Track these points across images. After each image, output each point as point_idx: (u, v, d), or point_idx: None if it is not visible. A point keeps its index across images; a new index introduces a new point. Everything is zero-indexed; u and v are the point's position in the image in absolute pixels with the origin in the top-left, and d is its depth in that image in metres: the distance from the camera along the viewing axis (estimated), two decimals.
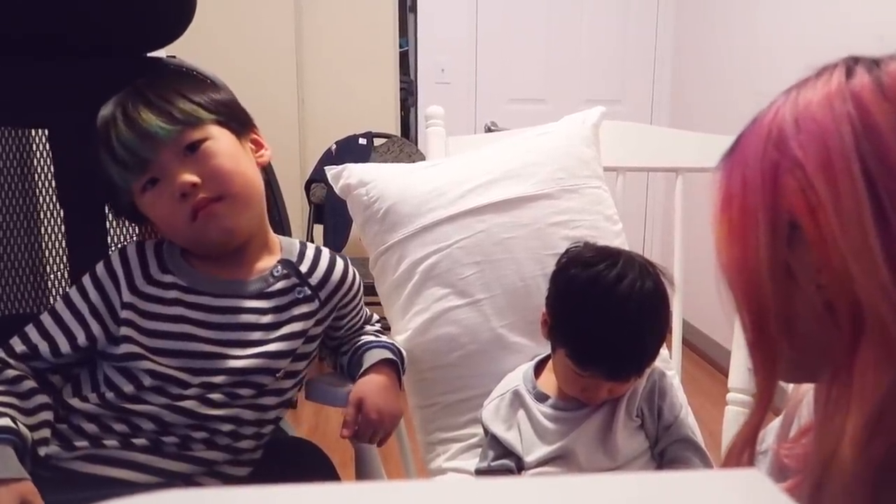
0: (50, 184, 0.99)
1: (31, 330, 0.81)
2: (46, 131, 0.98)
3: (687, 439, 0.89)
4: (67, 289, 0.96)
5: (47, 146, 0.98)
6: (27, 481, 0.69)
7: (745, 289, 0.56)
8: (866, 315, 0.48)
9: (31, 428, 0.75)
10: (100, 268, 0.84)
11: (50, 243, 0.99)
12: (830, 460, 0.49)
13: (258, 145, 0.90)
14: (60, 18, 0.95)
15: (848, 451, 0.47)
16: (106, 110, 0.82)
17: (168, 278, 0.84)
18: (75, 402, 0.80)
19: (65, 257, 1.00)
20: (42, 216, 0.99)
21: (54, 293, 1.00)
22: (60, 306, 0.83)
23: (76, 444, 0.78)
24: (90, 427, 0.79)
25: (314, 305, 0.89)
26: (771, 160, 0.53)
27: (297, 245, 0.93)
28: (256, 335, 0.84)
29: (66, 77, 0.98)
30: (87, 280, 0.84)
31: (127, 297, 0.82)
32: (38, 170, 0.98)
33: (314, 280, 0.90)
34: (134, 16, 0.99)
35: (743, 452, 0.59)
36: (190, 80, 0.86)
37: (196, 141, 0.80)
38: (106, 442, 0.78)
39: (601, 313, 0.82)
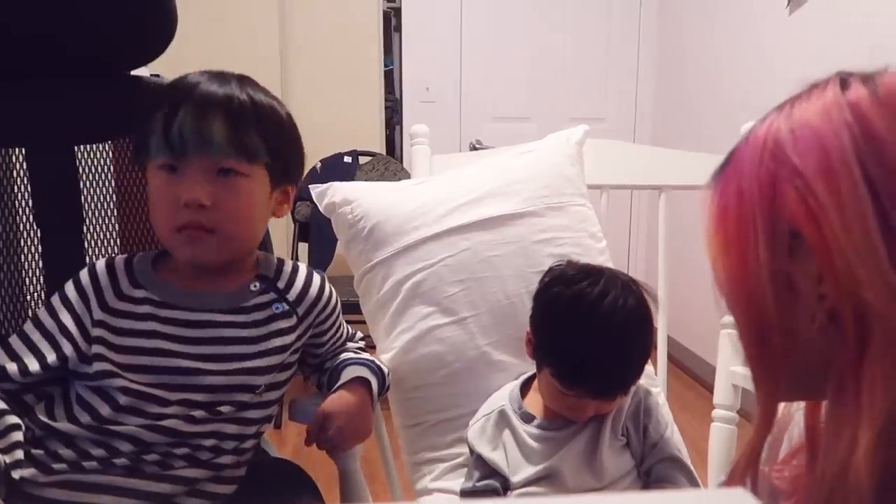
0: (27, 203, 0.98)
1: None
2: (23, 150, 0.97)
3: (673, 458, 0.89)
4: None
5: (22, 165, 0.97)
6: None
7: (745, 303, 0.55)
8: (873, 320, 0.47)
9: (3, 451, 0.73)
10: (69, 286, 0.83)
11: (28, 265, 0.98)
12: (842, 475, 0.48)
13: (285, 197, 0.89)
14: (40, 39, 0.95)
15: (862, 464, 0.47)
16: (196, 83, 0.80)
17: (140, 293, 0.82)
18: (56, 423, 0.78)
19: (39, 279, 0.98)
20: (21, 236, 0.97)
21: (30, 313, 0.98)
22: (30, 327, 0.81)
23: (54, 469, 0.76)
24: (67, 452, 0.76)
25: (292, 321, 0.88)
26: (768, 170, 0.53)
27: (275, 261, 0.92)
28: (234, 349, 0.83)
29: (45, 96, 0.97)
30: (55, 300, 0.82)
31: (98, 314, 0.80)
32: (17, 189, 0.97)
33: (291, 296, 0.89)
34: (115, 35, 0.99)
35: (746, 472, 0.58)
36: (274, 113, 0.83)
37: (232, 170, 0.79)
38: (85, 465, 0.76)
39: (585, 332, 0.82)
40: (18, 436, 0.76)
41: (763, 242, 0.53)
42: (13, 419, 0.76)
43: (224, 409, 0.82)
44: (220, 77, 0.82)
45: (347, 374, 0.91)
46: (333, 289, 0.95)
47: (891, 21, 1.76)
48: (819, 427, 0.60)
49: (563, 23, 3.39)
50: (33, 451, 0.76)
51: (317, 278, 0.93)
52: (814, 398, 0.60)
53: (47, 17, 0.93)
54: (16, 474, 0.73)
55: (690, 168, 1.26)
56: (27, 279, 0.97)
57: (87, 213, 1.00)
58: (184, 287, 0.84)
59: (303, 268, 0.92)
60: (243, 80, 0.83)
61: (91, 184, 1.00)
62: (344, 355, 0.97)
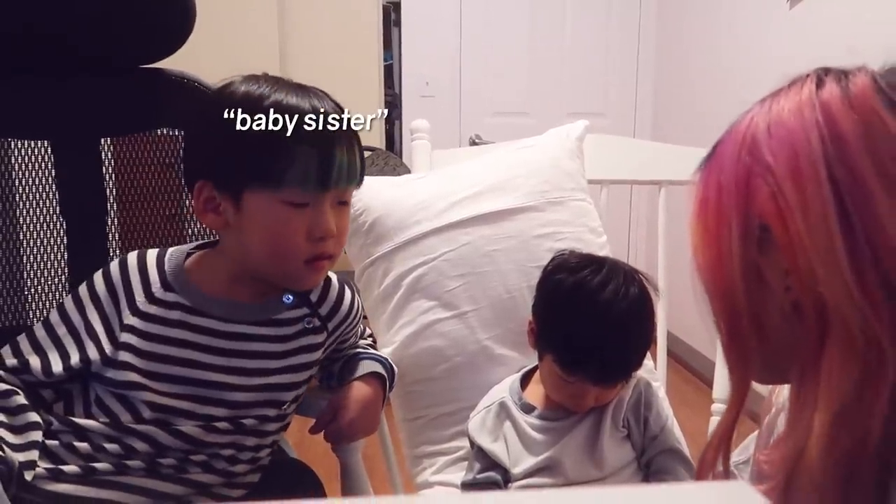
0: (29, 195, 0.98)
1: (22, 341, 0.78)
2: (46, 143, 0.97)
3: (673, 450, 0.89)
4: (58, 300, 0.95)
5: (34, 157, 0.97)
6: None
7: (719, 291, 0.58)
8: (831, 315, 0.50)
9: (19, 448, 0.71)
10: (98, 281, 0.80)
11: (28, 256, 0.98)
12: (799, 457, 0.50)
13: None
14: (61, 32, 0.96)
15: (815, 447, 0.49)
16: (314, 106, 0.76)
17: (171, 297, 0.79)
18: (74, 419, 0.77)
19: (42, 270, 0.98)
20: (21, 228, 0.98)
21: (33, 307, 0.98)
22: (56, 319, 0.78)
23: (67, 466, 0.74)
24: (82, 446, 0.75)
25: (322, 337, 0.86)
26: (744, 165, 0.55)
27: None
28: (262, 364, 0.81)
29: (68, 90, 0.99)
30: (84, 293, 0.79)
31: (128, 318, 0.78)
32: (17, 181, 0.97)
33: (324, 310, 0.86)
34: (134, 29, 1.00)
35: (718, 451, 0.60)
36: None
37: (346, 200, 0.80)
38: (98, 465, 0.75)
39: (587, 318, 0.83)
40: (37, 435, 0.74)
41: (737, 235, 0.55)
42: (33, 416, 0.74)
43: (247, 422, 0.80)
44: (316, 94, 0.79)
45: (363, 367, 0.91)
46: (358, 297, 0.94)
47: (893, 14, 1.76)
48: None
49: (562, 17, 3.38)
50: (48, 441, 0.75)
51: (348, 292, 0.90)
52: (782, 382, 0.63)
53: (69, 12, 0.94)
54: (28, 475, 0.72)
55: (690, 163, 1.25)
56: (26, 272, 0.98)
57: (113, 207, 1.02)
58: (216, 294, 0.81)
59: (334, 280, 0.90)
60: (320, 90, 0.81)
61: (116, 177, 1.02)
62: (354, 350, 0.97)
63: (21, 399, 0.74)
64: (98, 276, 0.80)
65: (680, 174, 1.27)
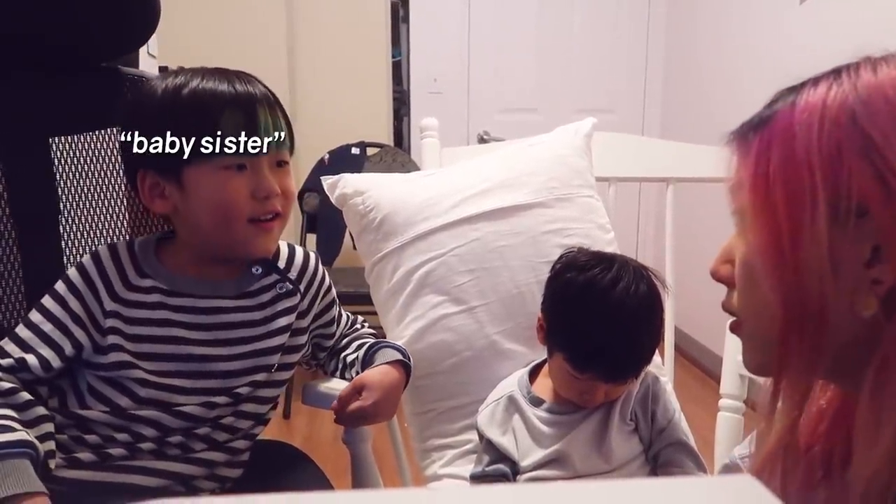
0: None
1: (7, 344, 0.78)
2: None
3: (680, 443, 0.90)
4: (12, 303, 0.94)
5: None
6: (45, 496, 0.67)
7: (791, 279, 0.52)
8: None
9: (37, 440, 0.73)
10: (74, 274, 0.82)
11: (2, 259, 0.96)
12: (881, 473, 0.46)
13: None
14: (13, 34, 0.94)
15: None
16: (239, 88, 0.81)
17: (147, 282, 0.83)
18: (81, 411, 0.79)
19: (14, 270, 0.96)
20: None
21: (7, 307, 0.96)
22: (38, 318, 0.80)
23: (83, 454, 0.78)
24: (91, 437, 0.78)
25: (296, 299, 0.90)
26: (832, 139, 0.49)
27: None
28: (244, 332, 0.85)
29: (16, 90, 0.97)
30: (62, 287, 0.81)
31: (109, 304, 0.80)
32: None
33: (293, 274, 0.92)
34: (92, 27, 0.98)
35: (775, 465, 0.56)
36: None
37: (285, 161, 0.85)
38: (111, 451, 0.78)
39: (598, 317, 0.84)
40: (50, 426, 0.76)
41: (823, 217, 0.49)
42: (42, 409, 0.76)
43: (242, 390, 0.84)
44: (235, 73, 0.83)
45: (387, 354, 0.94)
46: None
47: None
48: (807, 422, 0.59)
49: (571, 14, 3.38)
50: (57, 436, 0.78)
51: (312, 256, 0.96)
52: (845, 384, 0.57)
53: (23, 11, 0.92)
54: (52, 464, 0.74)
55: (698, 160, 1.27)
56: (2, 270, 0.96)
57: (66, 205, 1.00)
58: (188, 274, 0.85)
59: (296, 247, 0.95)
60: (247, 74, 0.85)
61: (67, 176, 1.00)
62: (369, 339, 0.99)
63: (26, 395, 0.75)
64: (73, 271, 0.83)
65: (687, 171, 1.29)
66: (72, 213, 1.00)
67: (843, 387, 0.58)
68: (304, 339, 0.93)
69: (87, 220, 1.02)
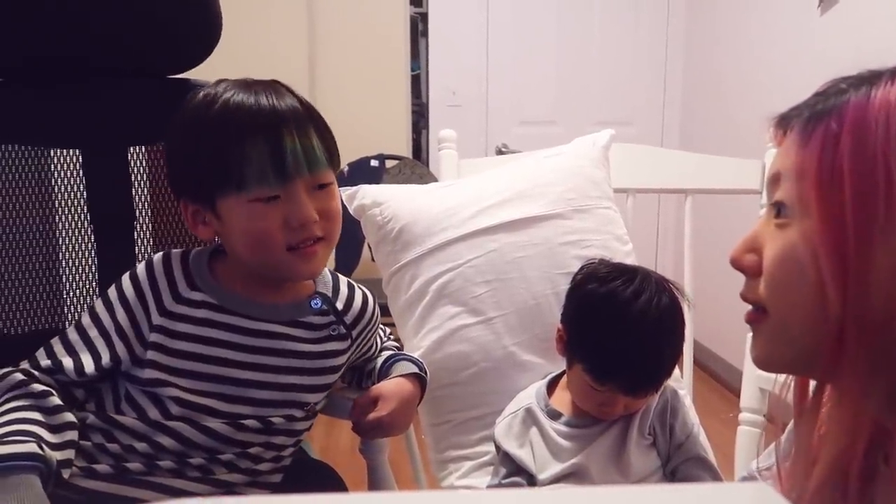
0: (67, 201, 1.01)
1: (56, 344, 0.79)
2: (77, 151, 1.00)
3: (698, 458, 0.89)
4: (90, 303, 0.97)
5: (68, 165, 1.01)
6: None
7: (848, 276, 0.49)
8: None
9: (57, 447, 0.73)
10: (126, 283, 0.81)
11: (64, 261, 1.00)
12: None
13: None
14: (91, 42, 0.99)
15: None
16: (258, 101, 0.76)
17: (197, 296, 0.81)
18: (119, 417, 0.79)
19: (79, 274, 1.01)
20: (59, 234, 1.00)
21: (72, 310, 1.01)
22: (87, 322, 0.80)
23: (100, 466, 0.77)
24: (113, 447, 0.78)
25: (346, 343, 0.88)
26: None
27: (330, 276, 0.91)
28: (290, 362, 0.83)
29: (97, 98, 1.01)
30: (113, 295, 0.81)
31: (156, 319, 0.79)
32: (57, 188, 1.00)
33: (349, 318, 0.88)
34: (162, 39, 1.02)
35: (839, 482, 0.52)
36: (327, 124, 0.83)
37: (328, 182, 0.81)
38: (130, 465, 0.77)
39: (620, 329, 0.83)
40: (73, 434, 0.76)
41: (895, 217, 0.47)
42: (69, 416, 0.76)
43: (276, 420, 0.82)
44: (266, 86, 0.79)
45: (404, 367, 0.93)
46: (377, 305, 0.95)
47: None
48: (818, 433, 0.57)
49: (589, 27, 3.39)
50: (81, 442, 0.77)
51: (370, 299, 0.92)
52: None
53: (100, 20, 0.97)
54: (66, 473, 0.74)
55: (717, 172, 1.27)
56: (63, 276, 1.00)
57: (140, 212, 1.04)
58: (240, 293, 0.82)
59: (356, 287, 0.92)
60: (281, 85, 0.82)
61: (142, 183, 1.04)
62: (391, 351, 0.98)
63: (56, 399, 0.75)
64: (126, 279, 0.82)
65: (706, 182, 1.28)
66: (145, 218, 1.05)
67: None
68: (338, 375, 0.90)
69: (158, 226, 1.06)
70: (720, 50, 3.04)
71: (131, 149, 1.03)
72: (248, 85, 0.79)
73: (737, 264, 0.62)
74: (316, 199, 0.78)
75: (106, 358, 0.79)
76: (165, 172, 1.03)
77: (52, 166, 1.00)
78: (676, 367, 1.09)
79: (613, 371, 0.83)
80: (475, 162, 1.30)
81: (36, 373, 0.77)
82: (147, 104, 1.04)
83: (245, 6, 2.94)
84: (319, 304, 0.86)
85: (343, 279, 0.93)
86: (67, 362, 0.78)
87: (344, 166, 2.86)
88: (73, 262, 1.01)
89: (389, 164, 2.93)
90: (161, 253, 0.84)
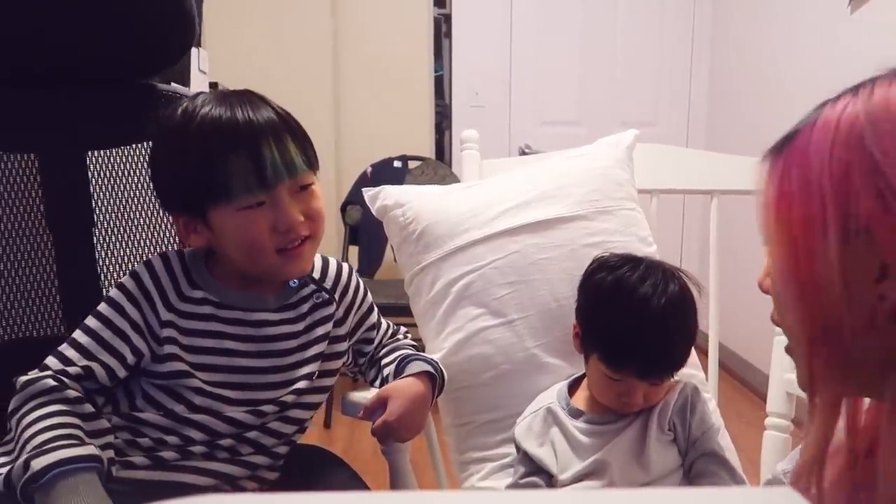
0: (25, 207, 0.99)
1: (67, 350, 0.79)
2: (33, 156, 0.99)
3: (713, 453, 0.89)
4: (49, 310, 0.97)
5: (26, 170, 0.99)
6: None
7: (807, 297, 0.53)
8: None
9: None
10: (129, 282, 0.84)
11: (19, 268, 0.98)
12: None
13: None
14: (56, 48, 0.97)
15: None
16: (235, 115, 0.80)
17: (198, 293, 0.85)
18: (137, 413, 0.81)
19: (38, 280, 0.99)
20: (12, 240, 0.98)
21: (31, 318, 0.99)
22: (96, 325, 0.81)
23: (134, 460, 0.80)
24: (144, 441, 0.81)
25: (332, 308, 0.92)
26: (841, 159, 0.51)
27: None
28: (288, 344, 0.88)
29: (55, 104, 1.00)
30: (117, 295, 0.83)
31: (165, 314, 0.82)
32: (15, 193, 0.98)
33: (328, 283, 0.93)
34: (128, 43, 1.00)
35: (811, 479, 0.56)
36: (304, 130, 0.87)
37: (308, 184, 0.84)
38: (163, 454, 0.80)
39: (628, 312, 0.86)
40: (110, 438, 0.79)
41: (833, 236, 0.50)
42: (104, 422, 0.79)
43: (287, 398, 0.86)
44: (241, 98, 0.83)
45: (415, 367, 0.94)
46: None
47: None
48: (860, 429, 0.59)
49: (614, 26, 3.36)
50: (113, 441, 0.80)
51: (345, 266, 0.97)
52: (872, 396, 0.58)
53: (60, 26, 0.95)
54: (114, 470, 0.76)
55: (743, 172, 1.25)
56: (17, 283, 0.98)
57: (100, 217, 1.02)
58: (235, 288, 0.87)
59: (330, 259, 0.97)
60: (256, 96, 0.85)
61: (102, 189, 1.02)
62: (407, 351, 0.99)
63: (90, 406, 0.77)
64: (128, 279, 0.84)
65: (732, 183, 1.26)
66: (106, 225, 1.03)
67: (874, 398, 0.59)
68: (344, 346, 0.95)
69: (120, 232, 1.04)
70: (746, 49, 3.00)
71: (91, 154, 1.02)
72: (224, 98, 0.82)
73: (762, 288, 0.65)
74: (300, 201, 0.83)
75: (129, 356, 0.81)
76: (135, 178, 1.05)
77: (10, 172, 0.98)
78: (701, 369, 1.08)
79: (626, 355, 0.85)
80: (498, 162, 1.30)
81: (65, 379, 0.77)
82: (109, 109, 1.03)
83: (269, 8, 2.97)
84: (296, 282, 0.90)
85: (318, 256, 0.95)
86: (97, 368, 0.79)
87: (367, 167, 2.87)
88: (33, 269, 0.99)
89: (412, 164, 2.93)
90: (158, 254, 0.88)
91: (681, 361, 0.88)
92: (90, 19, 0.97)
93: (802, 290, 0.54)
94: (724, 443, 0.93)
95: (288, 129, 0.83)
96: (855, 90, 0.53)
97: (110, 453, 0.78)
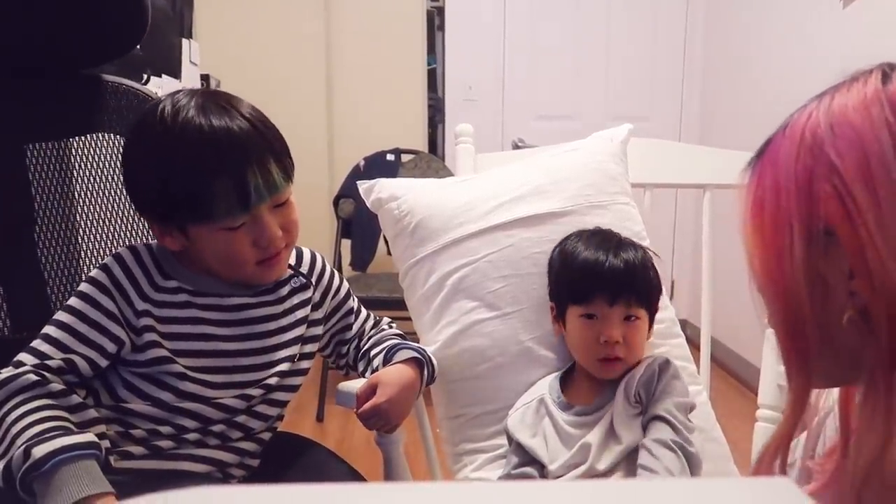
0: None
1: (40, 345, 0.78)
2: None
3: (660, 416, 0.87)
4: (2, 308, 0.95)
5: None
6: (113, 495, 0.69)
7: (781, 296, 0.56)
8: None
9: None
10: (100, 275, 0.83)
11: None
12: (876, 467, 0.49)
13: None
14: None
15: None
16: (220, 127, 0.79)
17: (171, 283, 0.85)
18: (129, 404, 0.81)
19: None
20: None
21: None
22: (69, 318, 0.80)
23: (131, 450, 0.80)
24: (138, 432, 0.81)
25: (310, 292, 0.95)
26: (805, 166, 0.53)
27: None
28: (267, 326, 0.89)
29: None
30: (88, 288, 0.82)
31: (140, 304, 0.82)
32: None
33: (304, 268, 0.96)
34: (72, 33, 0.97)
35: (775, 459, 0.59)
36: (280, 135, 0.87)
37: (285, 200, 0.86)
38: (159, 443, 0.81)
39: (590, 250, 0.94)
40: (103, 427, 0.79)
41: (798, 239, 0.53)
42: (92, 412, 0.78)
43: (271, 380, 0.88)
44: (217, 104, 0.81)
45: (403, 354, 0.95)
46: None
47: None
48: (851, 420, 0.60)
49: (607, 20, 3.36)
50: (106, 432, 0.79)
51: (318, 255, 1.00)
52: (845, 385, 0.61)
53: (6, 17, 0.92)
54: (112, 460, 0.77)
55: (736, 167, 1.25)
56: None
57: (43, 212, 0.99)
58: (207, 276, 0.87)
59: (304, 248, 0.98)
60: (232, 100, 0.84)
61: (44, 183, 0.99)
62: (393, 340, 1.00)
63: (77, 398, 0.77)
64: (98, 272, 0.83)
65: (724, 178, 1.26)
66: (49, 220, 0.99)
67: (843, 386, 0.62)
68: (320, 329, 0.97)
69: (64, 227, 1.00)
70: (740, 44, 3.01)
71: (31, 147, 0.98)
72: (202, 105, 0.81)
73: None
74: (278, 216, 0.85)
75: (109, 346, 0.81)
76: (83, 172, 1.02)
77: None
78: (693, 362, 1.09)
79: (592, 282, 0.91)
80: (492, 156, 1.30)
81: (46, 373, 0.76)
82: (52, 101, 1.00)
83: (262, 0, 2.96)
84: None
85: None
86: (79, 360, 0.79)
87: (360, 160, 2.87)
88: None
89: (405, 158, 2.93)
90: (125, 247, 0.87)
91: (645, 292, 0.93)
92: (27, 6, 0.94)
93: (776, 289, 0.56)
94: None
95: (268, 146, 0.82)
96: (820, 97, 0.56)
97: (106, 443, 0.77)
